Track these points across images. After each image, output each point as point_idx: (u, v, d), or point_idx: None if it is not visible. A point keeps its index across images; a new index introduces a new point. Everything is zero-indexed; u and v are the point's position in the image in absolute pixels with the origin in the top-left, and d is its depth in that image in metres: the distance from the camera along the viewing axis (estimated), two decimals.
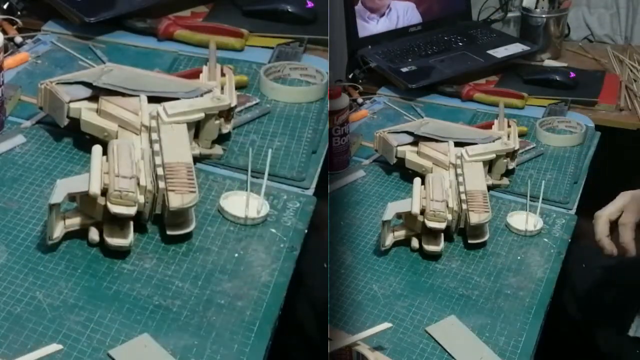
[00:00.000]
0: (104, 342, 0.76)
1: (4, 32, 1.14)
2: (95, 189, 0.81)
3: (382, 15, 1.64)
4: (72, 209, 0.85)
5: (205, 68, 1.09)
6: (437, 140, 1.20)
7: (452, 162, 1.15)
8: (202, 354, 0.78)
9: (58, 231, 0.83)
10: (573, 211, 1.23)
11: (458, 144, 1.19)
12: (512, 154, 1.25)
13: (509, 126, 1.32)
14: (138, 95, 0.96)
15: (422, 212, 1.03)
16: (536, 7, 1.75)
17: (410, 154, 1.19)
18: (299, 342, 0.96)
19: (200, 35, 1.21)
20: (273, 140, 1.08)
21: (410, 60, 1.58)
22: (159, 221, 0.90)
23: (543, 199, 1.21)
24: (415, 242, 1.05)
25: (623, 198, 0.98)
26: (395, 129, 1.24)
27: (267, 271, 0.88)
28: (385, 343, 0.90)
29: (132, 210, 0.83)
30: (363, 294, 0.97)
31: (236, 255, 0.89)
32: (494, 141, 1.23)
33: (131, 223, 0.85)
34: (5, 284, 0.80)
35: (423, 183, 1.08)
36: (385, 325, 0.88)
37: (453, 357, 0.90)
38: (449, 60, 1.60)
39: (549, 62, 1.73)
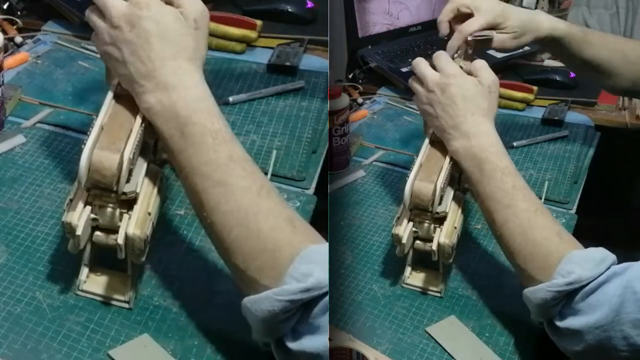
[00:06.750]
0: (104, 342, 0.76)
1: (4, 32, 1.14)
2: None
3: None
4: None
5: None
6: None
7: None
8: (202, 354, 0.78)
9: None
10: (573, 211, 1.23)
11: None
12: None
13: None
14: None
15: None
16: (536, 7, 1.75)
17: None
18: None
19: None
20: (273, 140, 1.08)
21: (410, 60, 1.57)
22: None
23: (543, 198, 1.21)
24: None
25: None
26: None
27: None
28: (385, 343, 0.90)
29: None
30: (363, 294, 0.97)
31: None
32: None
33: None
34: (5, 284, 0.80)
35: None
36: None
37: (453, 357, 0.90)
38: None
39: (549, 62, 1.73)
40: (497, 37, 1.01)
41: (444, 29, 1.03)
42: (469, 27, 0.99)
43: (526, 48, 1.67)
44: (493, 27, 1.01)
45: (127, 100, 0.76)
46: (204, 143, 0.73)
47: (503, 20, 1.01)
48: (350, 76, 1.54)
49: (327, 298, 0.70)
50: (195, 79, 0.76)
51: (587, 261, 0.81)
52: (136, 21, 0.74)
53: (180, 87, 0.74)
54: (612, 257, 0.82)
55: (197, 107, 0.74)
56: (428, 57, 0.97)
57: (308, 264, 0.69)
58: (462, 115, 0.91)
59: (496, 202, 0.89)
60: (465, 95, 0.92)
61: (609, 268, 0.80)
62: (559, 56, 1.08)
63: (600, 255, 0.82)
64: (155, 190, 0.79)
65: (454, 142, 0.92)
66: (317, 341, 0.70)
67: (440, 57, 0.96)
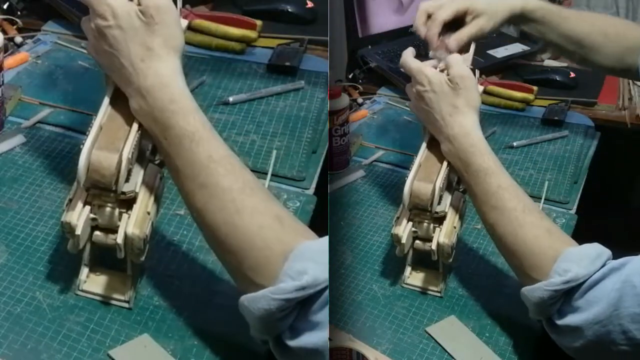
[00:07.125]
0: (104, 342, 0.76)
1: (4, 32, 1.14)
2: None
3: None
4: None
5: None
6: None
7: None
8: (202, 354, 0.78)
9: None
10: (573, 211, 1.23)
11: None
12: None
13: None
14: None
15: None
16: None
17: None
18: None
19: (200, 36, 1.21)
20: (273, 140, 1.08)
21: None
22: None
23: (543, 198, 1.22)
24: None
25: None
26: None
27: None
28: (385, 343, 0.90)
29: None
30: (363, 294, 0.97)
31: None
32: None
33: None
34: (5, 284, 0.80)
35: None
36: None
37: (453, 357, 0.90)
38: None
39: (549, 62, 1.73)
40: (475, 25, 0.97)
41: (422, 33, 1.01)
42: (439, 16, 0.97)
43: (526, 48, 1.68)
44: (463, 13, 0.97)
45: (126, 100, 0.76)
46: (182, 145, 0.73)
47: (471, 3, 0.97)
48: (350, 76, 1.54)
49: (326, 293, 0.70)
50: (167, 77, 0.74)
51: (582, 258, 0.81)
52: (105, 32, 0.74)
53: (153, 91, 0.73)
54: (607, 252, 0.82)
55: (172, 108, 0.73)
56: (426, 57, 0.96)
57: (303, 261, 0.69)
58: (441, 119, 0.92)
59: (483, 204, 0.89)
60: (438, 98, 0.92)
61: (604, 264, 0.80)
62: (539, 35, 1.04)
63: (596, 252, 0.82)
64: (155, 190, 0.79)
65: (442, 146, 0.93)
66: (316, 337, 0.70)
67: (406, 63, 0.96)
